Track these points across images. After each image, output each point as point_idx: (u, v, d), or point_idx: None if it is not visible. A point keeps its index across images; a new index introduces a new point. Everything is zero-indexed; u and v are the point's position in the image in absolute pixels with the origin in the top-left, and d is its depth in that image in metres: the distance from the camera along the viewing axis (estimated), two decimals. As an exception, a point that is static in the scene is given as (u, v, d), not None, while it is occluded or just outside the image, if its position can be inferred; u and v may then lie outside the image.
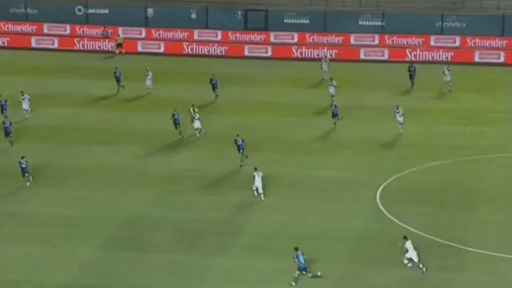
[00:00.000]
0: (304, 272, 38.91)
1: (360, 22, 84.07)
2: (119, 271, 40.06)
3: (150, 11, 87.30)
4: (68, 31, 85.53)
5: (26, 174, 49.05)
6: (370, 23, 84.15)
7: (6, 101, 59.91)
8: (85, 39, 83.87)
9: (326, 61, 72.38)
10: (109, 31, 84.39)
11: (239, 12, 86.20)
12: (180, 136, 56.81)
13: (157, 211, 46.87)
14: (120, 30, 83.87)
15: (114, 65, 72.51)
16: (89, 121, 61.68)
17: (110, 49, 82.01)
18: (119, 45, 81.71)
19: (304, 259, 38.96)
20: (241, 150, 52.25)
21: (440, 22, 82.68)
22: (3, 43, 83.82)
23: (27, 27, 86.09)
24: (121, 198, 48.28)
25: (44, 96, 67.10)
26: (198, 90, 66.55)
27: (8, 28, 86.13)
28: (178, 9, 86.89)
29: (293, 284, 38.69)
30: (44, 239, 43.18)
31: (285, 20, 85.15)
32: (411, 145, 56.59)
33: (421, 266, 39.81)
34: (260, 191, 47.67)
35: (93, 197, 48.39)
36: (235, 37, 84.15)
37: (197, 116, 57.32)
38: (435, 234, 43.84)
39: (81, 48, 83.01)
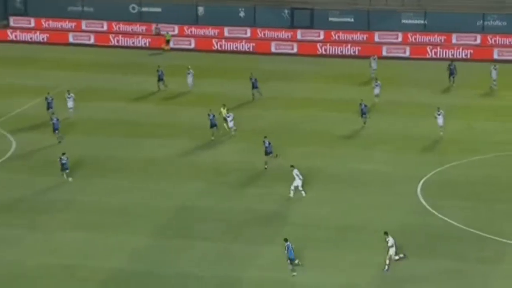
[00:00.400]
0: (290, 262, 38.63)
1: (403, 21, 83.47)
2: (168, 258, 40.10)
3: (200, 9, 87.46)
4: (124, 28, 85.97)
5: (67, 170, 48.67)
6: (413, 21, 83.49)
7: (52, 99, 59.38)
8: (140, 36, 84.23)
9: (374, 59, 71.56)
10: (160, 28, 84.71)
11: (286, 11, 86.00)
12: (213, 138, 55.74)
13: (205, 201, 46.86)
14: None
15: (164, 61, 72.77)
16: (139, 115, 61.75)
17: (161, 46, 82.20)
18: (167, 42, 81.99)
19: (293, 250, 38.50)
20: (269, 153, 51.01)
21: (481, 21, 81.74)
22: (58, 40, 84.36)
23: (87, 25, 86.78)
24: (170, 189, 48.32)
25: (97, 90, 67.60)
26: (246, 86, 66.29)
27: (67, 25, 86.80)
28: (227, 7, 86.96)
29: (295, 274, 38.47)
30: (98, 226, 43.38)
31: (330, 19, 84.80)
32: (451, 141, 55.94)
33: (398, 257, 39.02)
34: (300, 187, 47.02)
35: (144, 188, 48.47)
36: (282, 35, 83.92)
37: (231, 116, 56.82)
38: (475, 227, 43.30)
39: (134, 44, 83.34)
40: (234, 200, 46.97)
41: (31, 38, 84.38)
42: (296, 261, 38.76)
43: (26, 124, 58.27)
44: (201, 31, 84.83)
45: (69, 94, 59.99)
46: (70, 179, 48.69)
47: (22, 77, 71.01)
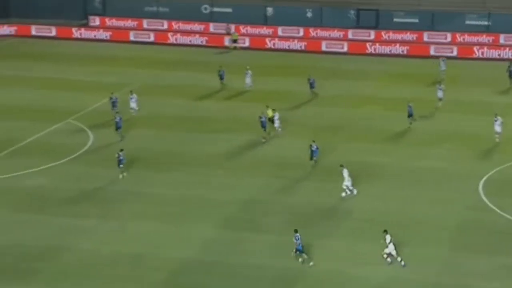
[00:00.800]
0: (297, 253, 38.47)
1: (467, 22, 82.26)
2: (234, 249, 40.14)
3: (269, 10, 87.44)
4: (195, 28, 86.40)
5: (121, 166, 48.47)
6: (477, 22, 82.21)
7: (117, 98, 59.36)
8: (211, 36, 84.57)
9: (443, 60, 70.34)
10: (231, 28, 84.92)
11: (352, 11, 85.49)
12: (264, 140, 54.90)
13: (267, 195, 46.77)
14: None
15: (233, 60, 73.04)
16: (203, 111, 61.82)
17: (229, 44, 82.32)
18: (234, 41, 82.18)
19: (301, 242, 38.46)
20: (313, 157, 50.34)
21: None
22: (133, 38, 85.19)
23: (161, 24, 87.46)
24: (234, 182, 48.34)
25: (167, 87, 68.06)
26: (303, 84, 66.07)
27: (146, 25, 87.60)
28: (295, 8, 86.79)
29: (301, 261, 38.43)
30: (167, 218, 43.61)
31: (394, 19, 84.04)
32: (511, 140, 54.86)
33: (399, 259, 38.42)
34: (351, 186, 46.30)
35: (209, 181, 48.60)
36: (347, 35, 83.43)
37: (277, 116, 56.18)
38: (535, 224, 42.52)
39: (205, 43, 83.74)
40: (296, 194, 46.81)
41: (106, 37, 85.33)
42: (304, 255, 38.62)
43: (102, 119, 58.82)
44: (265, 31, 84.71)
45: (131, 94, 59.78)
46: (122, 174, 48.42)
47: (99, 74, 71.90)
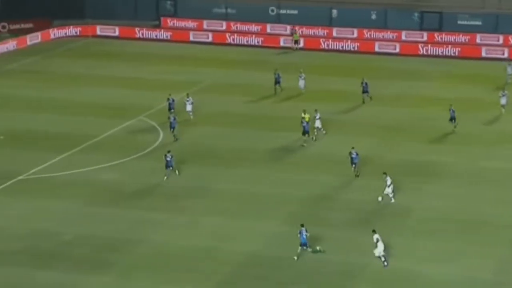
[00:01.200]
0: (304, 248, 38.24)
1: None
2: (297, 244, 39.97)
3: (334, 12, 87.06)
4: (261, 29, 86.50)
5: (170, 168, 47.57)
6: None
7: (173, 100, 58.70)
8: (277, 37, 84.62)
9: (510, 65, 68.46)
10: (296, 30, 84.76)
11: (416, 14, 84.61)
12: (305, 144, 53.88)
13: (331, 192, 46.59)
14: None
15: (293, 60, 72.97)
16: (278, 110, 61.86)
17: (291, 45, 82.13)
18: (296, 42, 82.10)
19: (307, 236, 38.27)
20: (353, 165, 48.93)
21: None
22: (203, 38, 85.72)
23: (229, 26, 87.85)
24: (299, 179, 48.24)
25: (233, 86, 68.27)
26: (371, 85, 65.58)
27: (209, 26, 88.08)
28: (359, 10, 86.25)
29: (295, 258, 38.23)
30: (235, 212, 43.76)
31: (458, 22, 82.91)
32: None
33: (383, 259, 37.80)
34: (391, 194, 45.02)
35: (275, 177, 48.55)
36: (410, 36, 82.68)
37: (318, 115, 55.36)
38: None
39: (270, 44, 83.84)
40: (357, 192, 46.49)
41: (173, 37, 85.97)
42: (318, 248, 38.60)
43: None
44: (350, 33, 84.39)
45: (188, 97, 58.86)
46: (166, 177, 47.72)
47: (169, 73, 72.50)
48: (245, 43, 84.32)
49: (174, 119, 54.54)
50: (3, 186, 46.68)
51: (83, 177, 48.41)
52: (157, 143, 54.54)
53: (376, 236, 38.06)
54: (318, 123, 55.02)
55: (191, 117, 58.39)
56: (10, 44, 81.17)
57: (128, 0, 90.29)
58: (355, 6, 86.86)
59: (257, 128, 57.49)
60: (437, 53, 79.12)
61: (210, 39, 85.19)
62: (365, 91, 61.98)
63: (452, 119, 55.93)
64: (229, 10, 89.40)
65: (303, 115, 54.00)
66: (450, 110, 56.05)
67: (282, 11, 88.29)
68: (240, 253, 39.17)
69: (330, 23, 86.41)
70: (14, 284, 36.31)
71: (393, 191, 44.88)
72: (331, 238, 40.75)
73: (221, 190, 46.71)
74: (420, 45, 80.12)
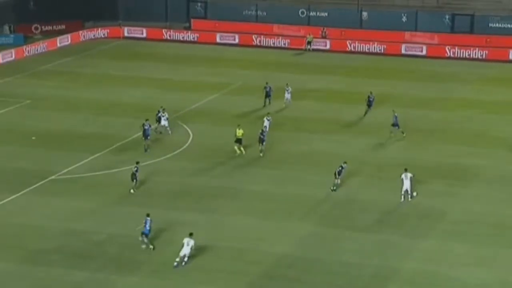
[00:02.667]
0: (143, 238, 38.30)
1: None
2: (330, 246, 39.67)
3: (365, 14, 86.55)
4: (294, 32, 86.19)
5: (135, 180, 45.55)
6: None
7: (150, 126, 52.87)
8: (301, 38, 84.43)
9: None
10: (327, 32, 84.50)
11: (447, 16, 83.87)
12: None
13: (366, 194, 46.10)
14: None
15: (303, 61, 72.96)
16: (305, 111, 61.45)
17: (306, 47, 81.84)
18: (309, 43, 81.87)
19: (151, 227, 38.47)
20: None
21: None
22: (233, 40, 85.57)
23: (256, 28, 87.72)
24: (330, 180, 47.77)
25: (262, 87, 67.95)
26: (401, 86, 65.09)
27: (238, 28, 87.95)
28: (390, 13, 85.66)
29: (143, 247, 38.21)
30: (266, 213, 43.41)
31: (490, 24, 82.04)
32: None
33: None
34: (409, 192, 44.71)
35: (308, 179, 48.24)
36: (441, 39, 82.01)
37: (289, 89, 55.85)
38: None
39: (299, 46, 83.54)
40: (390, 194, 45.87)
41: (209, 39, 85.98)
42: (151, 246, 38.43)
43: (202, 118, 59.06)
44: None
45: (163, 112, 55.51)
46: (134, 189, 46.00)
47: (200, 75, 72.46)
48: (275, 45, 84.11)
49: (150, 126, 51.52)
50: (36, 185, 46.73)
51: (115, 177, 48.33)
52: (187, 144, 54.38)
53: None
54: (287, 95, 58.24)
55: (168, 132, 55.47)
56: (42, 45, 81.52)
57: (159, 2, 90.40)
58: (385, 9, 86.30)
59: (292, 129, 57.11)
60: (468, 56, 78.33)
61: (240, 41, 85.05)
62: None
63: (395, 125, 54.69)
64: (259, 13, 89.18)
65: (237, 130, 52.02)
66: (393, 116, 54.77)
67: (312, 13, 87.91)
68: (271, 254, 38.82)
69: (360, 25, 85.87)
70: (47, 284, 36.25)
71: (411, 188, 44.49)
72: (363, 240, 40.31)
73: (251, 191, 46.40)
74: (449, 47, 79.37)
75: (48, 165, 49.78)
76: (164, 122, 55.35)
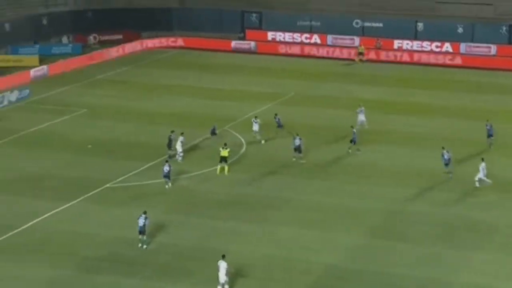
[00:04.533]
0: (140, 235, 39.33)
1: None
2: (378, 258, 39.45)
3: (420, 25, 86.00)
4: (348, 43, 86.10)
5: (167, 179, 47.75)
6: None
7: (256, 120, 56.28)
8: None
9: None
10: (381, 42, 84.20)
11: (504, 27, 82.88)
12: (350, 151, 53.88)
13: (416, 206, 45.76)
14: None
15: (355, 71, 72.69)
16: (351, 121, 61.19)
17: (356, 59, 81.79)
18: (360, 54, 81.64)
19: (144, 224, 39.75)
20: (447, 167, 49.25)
21: None
22: (287, 51, 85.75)
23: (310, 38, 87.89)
24: (381, 191, 47.67)
25: (316, 98, 68.03)
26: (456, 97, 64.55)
27: (293, 38, 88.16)
28: (445, 23, 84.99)
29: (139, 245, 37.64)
30: (315, 224, 43.37)
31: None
32: None
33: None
34: (484, 177, 46.21)
35: (357, 189, 48.14)
36: (499, 50, 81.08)
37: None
38: None
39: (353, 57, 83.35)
40: (440, 205, 45.56)
41: (263, 50, 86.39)
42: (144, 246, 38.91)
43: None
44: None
45: (255, 119, 56.95)
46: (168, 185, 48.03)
47: (254, 84, 72.82)
48: (328, 55, 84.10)
49: (169, 163, 49.15)
50: (91, 193, 47.43)
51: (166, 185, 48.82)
52: (240, 153, 54.67)
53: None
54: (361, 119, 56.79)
55: (258, 138, 56.35)
56: (100, 55, 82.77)
57: (214, 12, 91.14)
58: (441, 19, 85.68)
59: (337, 140, 57.02)
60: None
61: (294, 51, 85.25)
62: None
63: (489, 135, 54.44)
64: (313, 23, 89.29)
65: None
66: (487, 126, 54.60)
67: (367, 24, 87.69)
68: (320, 265, 38.79)
69: (415, 36, 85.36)
70: (98, 290, 36.81)
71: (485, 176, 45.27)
72: (414, 252, 40.02)
73: (301, 201, 46.44)
74: (507, 59, 78.49)
75: (103, 173, 50.50)
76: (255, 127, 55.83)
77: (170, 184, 48.37)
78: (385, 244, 40.96)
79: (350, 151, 54.12)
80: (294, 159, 52.50)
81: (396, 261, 39.15)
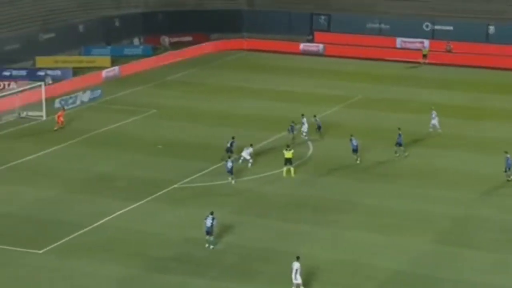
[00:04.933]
0: (208, 236, 39.80)
1: None
2: (446, 264, 39.06)
3: (491, 28, 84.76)
4: (417, 46, 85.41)
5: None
6: None
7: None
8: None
9: None
10: (451, 46, 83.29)
11: None
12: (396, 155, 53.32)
13: (485, 211, 45.23)
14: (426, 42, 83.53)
15: (425, 75, 72.46)
16: (425, 126, 60.67)
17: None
18: (424, 56, 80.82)
19: (212, 224, 40.09)
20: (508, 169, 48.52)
21: None
22: (355, 53, 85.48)
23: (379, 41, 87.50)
24: (451, 196, 47.20)
25: (383, 101, 67.66)
26: None
27: (360, 41, 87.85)
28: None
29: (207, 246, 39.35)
30: (382, 228, 43.17)
31: None
32: None
33: None
34: None
35: (426, 194, 47.75)
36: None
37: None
38: None
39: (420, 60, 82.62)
40: (510, 212, 44.90)
41: (331, 52, 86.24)
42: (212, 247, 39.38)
43: (324, 129, 59.14)
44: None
45: (304, 117, 57.33)
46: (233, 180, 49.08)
47: (321, 87, 72.80)
48: (397, 58, 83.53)
49: (231, 159, 50.65)
50: (158, 193, 48.05)
51: (235, 186, 49.16)
52: (307, 156, 54.73)
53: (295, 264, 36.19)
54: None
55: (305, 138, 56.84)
56: (170, 56, 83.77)
57: (283, 15, 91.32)
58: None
59: (405, 144, 56.52)
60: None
61: (362, 54, 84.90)
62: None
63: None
64: (382, 25, 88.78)
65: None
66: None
67: (437, 27, 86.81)
68: (385, 270, 38.59)
69: (486, 39, 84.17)
70: (166, 289, 37.31)
71: None
72: (483, 259, 39.57)
73: (367, 205, 46.28)
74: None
75: (171, 173, 51.10)
76: (305, 128, 56.49)
77: (233, 179, 49.05)
78: (453, 250, 40.58)
79: (397, 154, 53.64)
80: (358, 161, 52.42)
81: (464, 268, 38.75)
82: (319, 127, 57.58)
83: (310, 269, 38.13)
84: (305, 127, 56.95)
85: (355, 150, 52.64)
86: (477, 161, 53.39)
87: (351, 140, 53.03)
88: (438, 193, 47.83)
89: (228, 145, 52.86)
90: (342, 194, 47.95)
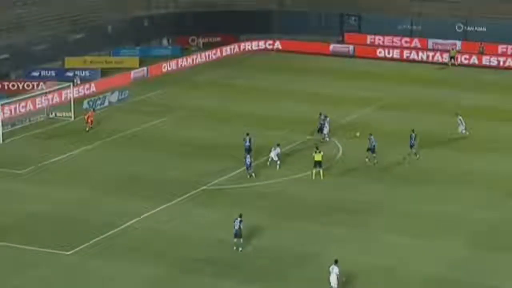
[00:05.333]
0: (236, 239, 39.38)
1: None
2: (483, 270, 38.28)
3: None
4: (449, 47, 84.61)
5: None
6: None
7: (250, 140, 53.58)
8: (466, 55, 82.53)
9: None
10: (484, 47, 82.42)
11: None
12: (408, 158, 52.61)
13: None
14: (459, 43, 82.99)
15: (457, 76, 72.82)
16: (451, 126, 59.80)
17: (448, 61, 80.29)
18: (452, 58, 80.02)
19: (240, 227, 39.90)
20: None
21: None
22: (386, 55, 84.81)
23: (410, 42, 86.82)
24: (489, 201, 46.53)
25: (414, 103, 67.03)
26: None
27: (391, 42, 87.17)
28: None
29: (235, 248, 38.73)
30: (418, 232, 42.41)
31: None
32: None
33: None
34: None
35: (462, 197, 47.02)
36: None
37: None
38: None
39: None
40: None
41: (362, 53, 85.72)
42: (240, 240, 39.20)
43: (353, 132, 58.49)
44: None
45: (324, 117, 57.56)
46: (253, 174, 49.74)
47: (351, 88, 72.32)
48: (429, 60, 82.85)
49: (250, 154, 51.28)
50: (188, 195, 47.77)
51: (265, 188, 48.79)
52: (337, 158, 54.28)
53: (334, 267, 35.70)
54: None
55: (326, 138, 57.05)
56: (199, 57, 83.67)
57: (313, 16, 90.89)
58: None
59: (434, 146, 55.91)
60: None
61: (393, 55, 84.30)
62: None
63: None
64: (414, 27, 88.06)
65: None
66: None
67: (470, 28, 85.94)
68: (420, 274, 37.94)
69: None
70: (195, 291, 37.03)
71: None
72: (515, 264, 38.95)
73: (405, 209, 45.55)
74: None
75: (200, 175, 50.82)
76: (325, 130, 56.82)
77: (253, 174, 49.71)
78: (488, 255, 39.83)
79: (408, 156, 52.89)
80: (367, 160, 51.81)
81: (499, 273, 37.99)
82: (320, 129, 57.38)
83: (344, 273, 37.60)
84: (326, 129, 56.87)
85: (371, 149, 52.05)
86: (511, 164, 52.61)
87: (369, 139, 52.49)
88: (472, 196, 47.10)
89: (247, 143, 52.49)
90: (373, 196, 47.34)
